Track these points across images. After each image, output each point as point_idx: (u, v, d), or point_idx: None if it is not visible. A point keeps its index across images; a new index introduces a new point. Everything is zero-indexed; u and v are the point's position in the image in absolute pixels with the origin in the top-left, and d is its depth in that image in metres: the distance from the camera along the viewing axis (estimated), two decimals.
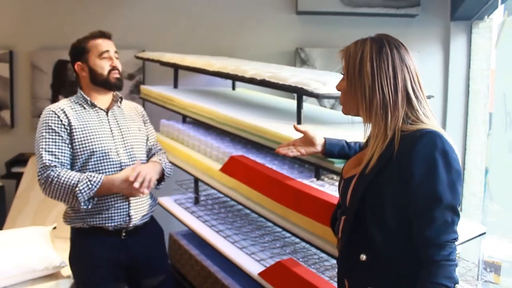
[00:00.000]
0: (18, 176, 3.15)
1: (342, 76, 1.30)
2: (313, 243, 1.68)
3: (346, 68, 1.26)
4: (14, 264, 2.16)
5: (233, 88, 3.11)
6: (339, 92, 1.33)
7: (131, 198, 1.85)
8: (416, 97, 1.22)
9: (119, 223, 1.84)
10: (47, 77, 3.40)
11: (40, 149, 1.77)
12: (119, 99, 1.95)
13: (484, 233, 1.72)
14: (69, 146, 1.80)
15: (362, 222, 1.23)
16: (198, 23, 3.36)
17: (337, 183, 1.63)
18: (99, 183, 1.74)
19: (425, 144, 1.14)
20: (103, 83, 1.88)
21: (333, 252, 1.59)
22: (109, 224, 1.82)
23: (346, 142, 1.58)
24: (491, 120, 3.04)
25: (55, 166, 1.75)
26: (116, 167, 1.83)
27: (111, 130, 1.87)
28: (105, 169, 1.82)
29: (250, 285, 2.10)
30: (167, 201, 2.75)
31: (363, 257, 1.22)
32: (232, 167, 2.09)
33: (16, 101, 3.46)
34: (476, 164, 3.11)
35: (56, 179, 1.73)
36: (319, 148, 1.58)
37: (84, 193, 1.72)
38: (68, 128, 1.80)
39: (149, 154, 2.03)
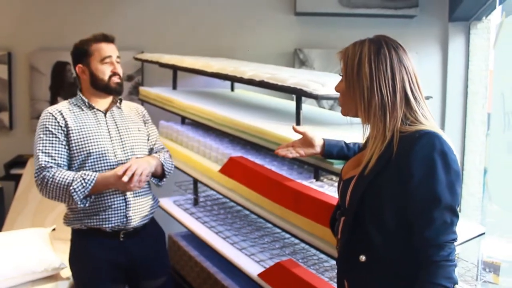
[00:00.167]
0: (17, 178, 3.15)
1: (340, 77, 1.31)
2: (313, 244, 1.68)
3: (345, 70, 1.27)
4: (13, 266, 2.16)
5: (232, 89, 3.12)
6: (338, 93, 1.33)
7: (129, 199, 1.85)
8: (415, 98, 1.22)
9: (116, 224, 1.83)
10: (46, 79, 3.40)
11: (37, 151, 1.78)
12: (119, 101, 1.96)
13: (483, 233, 1.72)
14: (66, 147, 1.81)
15: (361, 223, 1.23)
16: (197, 25, 3.37)
17: (336, 184, 1.63)
18: (93, 181, 1.74)
19: (424, 145, 1.15)
20: (103, 88, 1.88)
21: (332, 253, 1.59)
22: (106, 226, 1.82)
23: (345, 143, 1.58)
24: (490, 120, 3.04)
25: (51, 167, 1.76)
26: (113, 168, 1.83)
27: (109, 131, 1.87)
28: (102, 170, 1.82)
29: (249, 286, 2.10)
30: (166, 203, 2.75)
31: (363, 258, 1.23)
32: (231, 168, 2.09)
33: (15, 103, 3.46)
34: (474, 165, 3.12)
35: (51, 180, 1.74)
36: (318, 149, 1.58)
37: (79, 192, 1.73)
38: (65, 129, 1.81)
39: (151, 154, 2.01)
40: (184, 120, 2.75)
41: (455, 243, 1.15)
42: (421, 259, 1.15)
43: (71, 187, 1.72)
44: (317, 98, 1.78)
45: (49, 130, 1.80)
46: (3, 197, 3.26)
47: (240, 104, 2.54)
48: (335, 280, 1.41)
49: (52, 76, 3.40)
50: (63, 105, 1.88)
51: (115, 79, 1.88)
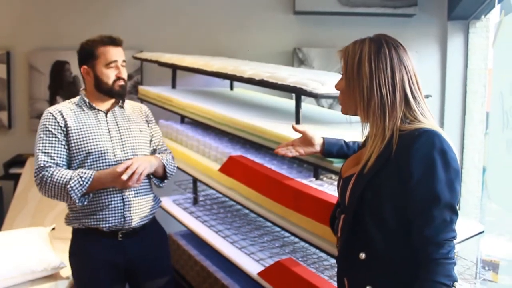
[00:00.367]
0: (16, 177, 3.14)
1: (341, 75, 1.31)
2: (312, 242, 1.69)
3: (345, 68, 1.27)
4: (13, 265, 2.16)
5: (231, 88, 3.12)
6: (338, 92, 1.33)
7: (127, 199, 1.84)
8: (414, 98, 1.22)
9: (113, 224, 1.83)
10: (45, 78, 3.39)
11: (37, 151, 1.80)
12: (121, 101, 1.95)
13: (483, 231, 1.72)
14: (66, 147, 1.81)
15: (361, 221, 1.23)
16: (196, 24, 3.36)
17: (336, 183, 1.63)
18: (90, 179, 1.74)
19: (423, 143, 1.15)
20: (107, 92, 1.88)
21: (332, 252, 1.59)
22: (104, 225, 1.82)
23: (344, 141, 1.59)
24: (489, 119, 3.05)
25: (50, 166, 1.77)
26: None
27: (109, 131, 1.87)
28: (101, 169, 1.81)
29: (249, 285, 2.10)
30: (166, 202, 2.75)
31: (362, 255, 1.23)
32: (231, 167, 2.09)
33: (14, 102, 3.45)
34: (474, 163, 3.13)
35: (49, 179, 1.75)
36: (318, 148, 1.58)
37: (76, 190, 1.73)
38: (65, 129, 1.82)
39: (154, 155, 1.99)
40: (183, 119, 2.75)
41: (455, 241, 1.16)
42: (421, 257, 1.15)
43: (69, 186, 1.73)
44: (316, 97, 1.78)
45: (49, 130, 1.80)
46: (2, 197, 3.26)
47: (239, 103, 2.53)
48: (335, 278, 1.41)
49: (51, 75, 3.39)
50: (64, 105, 1.89)
51: (120, 83, 1.88)
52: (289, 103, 2.57)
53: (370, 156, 1.22)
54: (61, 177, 1.74)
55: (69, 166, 1.82)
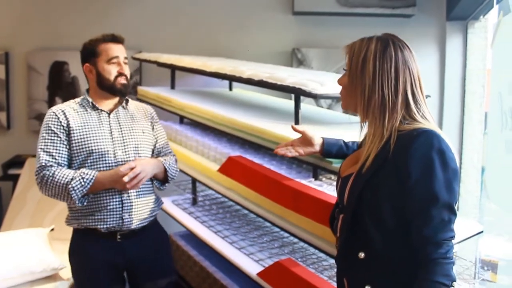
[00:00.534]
0: (15, 178, 3.14)
1: (344, 71, 1.30)
2: (312, 242, 1.69)
3: (349, 65, 1.26)
4: (12, 266, 2.16)
5: (230, 88, 3.12)
6: (337, 93, 1.33)
7: (125, 201, 1.84)
8: (416, 101, 1.22)
9: (111, 225, 1.83)
10: (43, 79, 3.39)
11: (39, 150, 1.80)
12: (125, 101, 1.95)
13: (481, 231, 1.73)
14: (67, 146, 1.82)
15: (360, 220, 1.23)
16: (195, 24, 3.36)
17: (335, 183, 1.63)
18: (92, 180, 1.75)
19: (422, 143, 1.15)
20: (109, 88, 1.87)
21: (331, 252, 1.59)
22: (102, 226, 1.82)
23: (344, 141, 1.59)
24: (487, 119, 3.05)
25: (51, 165, 1.77)
26: (112, 168, 1.83)
27: (111, 132, 1.87)
28: (101, 169, 1.81)
29: (248, 286, 2.10)
30: (165, 202, 2.73)
31: (362, 255, 1.23)
32: (230, 168, 2.09)
33: (12, 103, 3.45)
34: (472, 163, 3.13)
35: (51, 178, 1.75)
36: (317, 148, 1.58)
37: (77, 190, 1.73)
38: (67, 129, 1.82)
39: (158, 157, 1.98)
40: (182, 120, 2.75)
41: (453, 241, 1.16)
42: (420, 256, 1.15)
43: (70, 186, 1.73)
44: (315, 97, 1.78)
45: (51, 130, 1.81)
46: (1, 197, 3.26)
47: (238, 104, 2.54)
48: (335, 279, 1.42)
49: (50, 76, 3.39)
50: (67, 105, 1.89)
51: (121, 80, 1.87)
52: (288, 104, 2.57)
53: (368, 155, 1.22)
54: (63, 176, 1.74)
55: (69, 166, 1.82)
